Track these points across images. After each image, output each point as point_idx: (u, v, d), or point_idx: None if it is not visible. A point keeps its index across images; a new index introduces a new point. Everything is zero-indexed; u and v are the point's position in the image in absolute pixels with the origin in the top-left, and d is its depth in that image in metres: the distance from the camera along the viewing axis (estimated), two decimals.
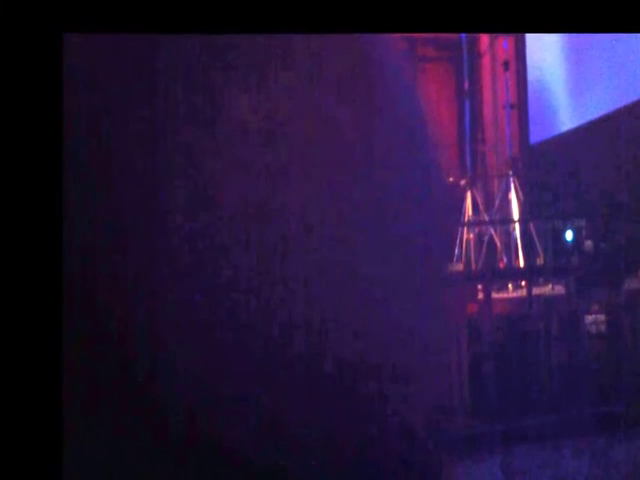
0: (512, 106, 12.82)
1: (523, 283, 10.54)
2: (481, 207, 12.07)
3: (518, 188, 11.84)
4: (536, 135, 12.85)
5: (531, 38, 12.53)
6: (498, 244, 11.62)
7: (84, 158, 0.47)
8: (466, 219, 11.72)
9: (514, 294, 10.59)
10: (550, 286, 10.22)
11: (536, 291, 9.96)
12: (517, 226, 11.74)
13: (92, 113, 0.48)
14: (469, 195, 11.80)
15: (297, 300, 0.50)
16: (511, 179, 11.93)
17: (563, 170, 11.26)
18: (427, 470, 0.57)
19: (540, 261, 10.87)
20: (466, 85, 13.41)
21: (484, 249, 11.39)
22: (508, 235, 11.81)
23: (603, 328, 9.42)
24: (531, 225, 11.16)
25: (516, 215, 11.90)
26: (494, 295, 9.83)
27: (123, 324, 0.48)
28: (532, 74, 12.79)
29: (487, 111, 13.78)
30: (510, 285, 10.85)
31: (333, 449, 0.50)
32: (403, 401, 0.54)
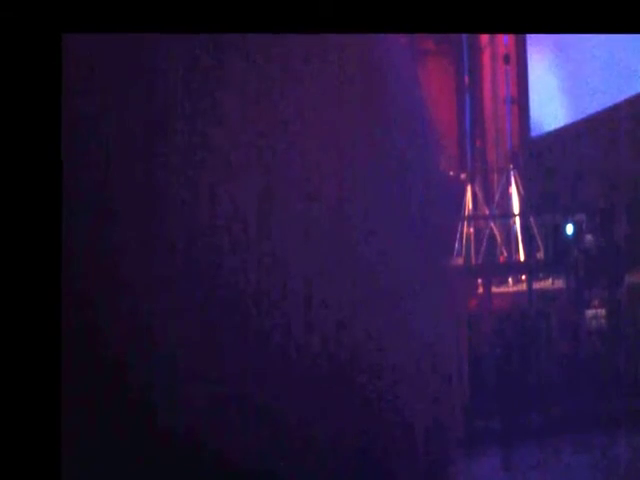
0: (512, 100, 12.82)
1: (523, 277, 10.55)
2: (481, 201, 12.08)
3: (518, 182, 11.84)
4: (537, 129, 12.85)
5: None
6: (498, 238, 11.63)
7: (83, 159, 0.47)
8: (466, 213, 11.73)
9: (514, 288, 10.61)
10: (550, 280, 10.24)
11: (536, 285, 9.98)
12: (517, 220, 11.75)
13: (91, 114, 0.48)
14: (469, 189, 11.81)
15: (297, 299, 0.50)
16: (511, 173, 11.93)
17: (563, 164, 11.26)
18: (428, 468, 0.57)
19: (540, 255, 10.87)
20: (466, 79, 13.41)
21: (484, 243, 11.40)
22: (508, 229, 11.81)
23: (603, 322, 9.43)
24: (531, 219, 11.17)
25: (516, 209, 11.91)
26: (494, 289, 9.84)
27: (122, 324, 0.48)
28: (533, 68, 12.79)
29: (487, 105, 13.78)
30: (510, 279, 10.87)
31: (332, 449, 0.50)
32: (403, 399, 0.54)
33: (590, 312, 9.53)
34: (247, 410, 0.45)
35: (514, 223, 11.79)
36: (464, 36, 13.10)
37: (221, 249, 0.46)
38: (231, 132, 0.47)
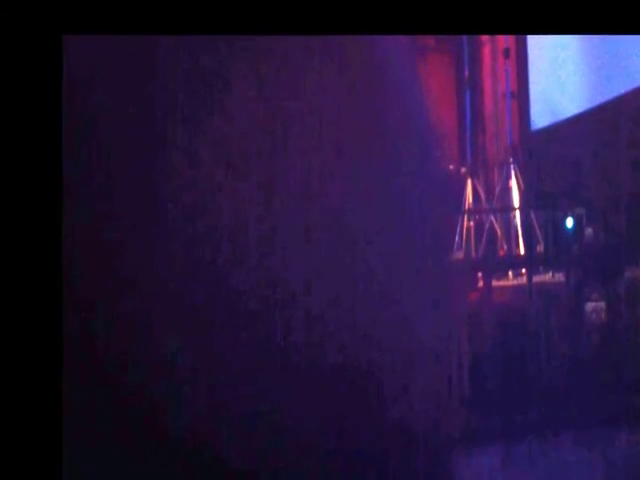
0: (512, 95, 12.79)
1: (523, 271, 10.54)
2: (481, 195, 12.07)
3: (519, 176, 11.83)
4: (537, 123, 12.82)
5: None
6: (498, 232, 11.62)
7: (83, 160, 0.47)
8: (466, 207, 11.72)
9: (514, 282, 10.60)
10: (550, 274, 10.23)
11: (536, 279, 9.97)
12: (517, 214, 11.74)
13: (91, 115, 0.48)
14: (469, 183, 11.80)
15: (297, 299, 0.50)
16: (512, 167, 11.92)
17: (563, 158, 11.25)
18: (428, 467, 0.57)
19: (540, 249, 10.87)
20: (466, 74, 13.38)
21: (484, 237, 11.40)
22: (508, 223, 11.80)
23: (603, 316, 9.42)
24: (531, 213, 11.17)
25: (516, 203, 11.89)
26: (494, 283, 9.83)
27: (122, 325, 0.48)
28: (533, 62, 12.76)
29: (487, 100, 13.75)
30: (510, 273, 10.86)
31: (333, 449, 0.50)
32: (403, 398, 0.54)
33: (590, 305, 9.53)
34: (247, 411, 0.45)
35: (514, 217, 11.78)
36: None
37: (221, 250, 0.46)
38: (232, 133, 0.47)
